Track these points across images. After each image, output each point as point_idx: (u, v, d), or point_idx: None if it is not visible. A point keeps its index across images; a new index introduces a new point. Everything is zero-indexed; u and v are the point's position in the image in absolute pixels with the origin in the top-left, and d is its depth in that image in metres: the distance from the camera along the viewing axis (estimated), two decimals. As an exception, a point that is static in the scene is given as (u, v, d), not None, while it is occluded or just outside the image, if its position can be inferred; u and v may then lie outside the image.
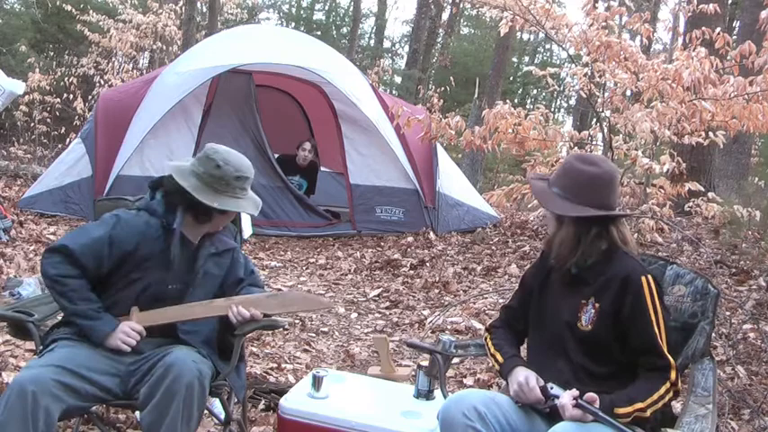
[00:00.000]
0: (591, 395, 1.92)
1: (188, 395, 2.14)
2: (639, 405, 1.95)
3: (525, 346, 2.37)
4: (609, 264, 2.13)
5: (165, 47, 12.54)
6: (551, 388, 2.03)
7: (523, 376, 2.08)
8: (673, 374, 2.03)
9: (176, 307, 2.40)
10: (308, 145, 7.75)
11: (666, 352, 2.04)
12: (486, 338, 2.38)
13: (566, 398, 1.95)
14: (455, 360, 2.91)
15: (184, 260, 2.41)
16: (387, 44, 25.10)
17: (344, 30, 22.75)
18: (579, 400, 1.92)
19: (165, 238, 2.35)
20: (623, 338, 2.07)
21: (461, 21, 24.00)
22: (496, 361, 2.25)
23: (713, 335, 2.60)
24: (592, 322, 2.09)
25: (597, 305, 2.10)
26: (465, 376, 3.87)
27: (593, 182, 2.13)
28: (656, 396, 1.98)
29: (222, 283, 2.51)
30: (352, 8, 21.77)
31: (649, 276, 2.10)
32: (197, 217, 2.39)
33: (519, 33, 18.35)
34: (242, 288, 2.53)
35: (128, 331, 2.30)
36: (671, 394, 2.02)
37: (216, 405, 2.59)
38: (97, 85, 12.28)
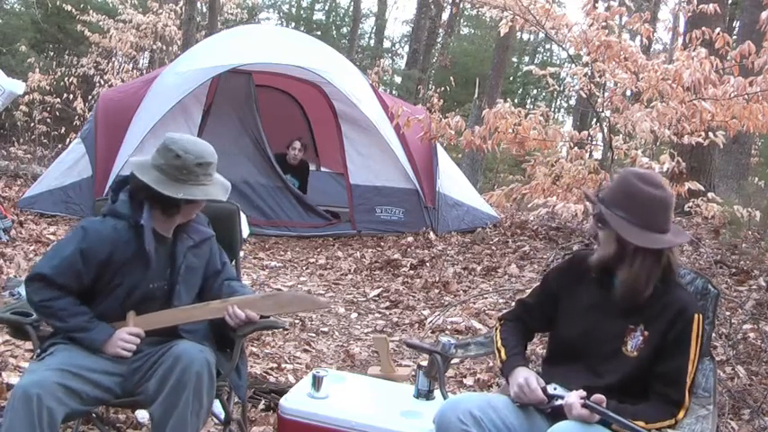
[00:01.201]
0: (599, 396, 1.91)
1: (198, 385, 2.14)
2: (641, 424, 1.92)
3: (544, 347, 2.34)
4: (663, 292, 2.07)
5: (165, 47, 12.54)
6: (554, 389, 2.02)
7: (523, 378, 2.07)
8: (681, 414, 2.00)
9: (172, 310, 2.39)
10: (297, 144, 7.71)
11: (688, 391, 2.01)
12: (496, 328, 2.35)
13: (573, 397, 1.93)
14: (455, 360, 2.91)
15: (162, 257, 2.39)
16: (387, 44, 25.12)
17: (344, 30, 22.76)
18: (587, 401, 1.91)
19: (135, 238, 2.32)
20: (656, 364, 2.04)
21: (461, 21, 23.99)
22: (500, 356, 2.24)
23: (713, 335, 2.59)
24: (638, 349, 2.05)
25: (646, 333, 2.05)
26: (465, 376, 3.87)
27: (662, 205, 2.06)
28: (658, 425, 1.96)
29: (204, 275, 2.51)
30: (352, 8, 21.79)
31: (701, 314, 2.06)
32: (165, 210, 2.36)
33: (519, 33, 18.34)
34: (221, 283, 2.52)
35: (126, 337, 2.29)
36: (670, 430, 1.99)
37: (216, 405, 2.59)
38: (97, 85, 12.28)
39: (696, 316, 2.04)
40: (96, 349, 2.27)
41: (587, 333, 2.12)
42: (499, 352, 2.25)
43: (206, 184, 2.36)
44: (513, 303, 2.44)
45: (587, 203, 2.30)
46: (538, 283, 2.39)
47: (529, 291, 2.43)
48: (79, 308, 2.31)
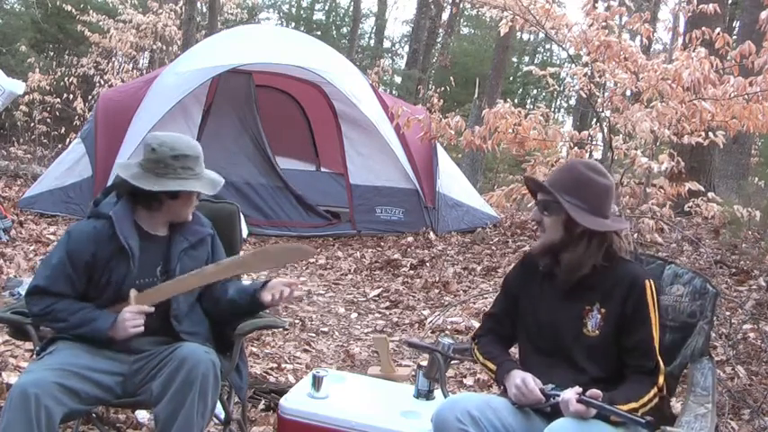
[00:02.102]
0: (595, 391, 1.93)
1: (203, 385, 2.14)
2: (634, 405, 1.95)
3: (517, 350, 2.36)
4: (612, 269, 2.13)
5: (165, 47, 12.54)
6: (552, 388, 2.03)
7: (520, 379, 2.07)
8: (660, 379, 2.05)
9: (170, 282, 2.38)
10: None
11: (658, 355, 2.06)
12: (473, 348, 2.36)
13: (569, 393, 1.95)
14: (455, 360, 2.91)
15: (151, 254, 2.38)
16: (387, 44, 25.15)
17: (344, 30, 22.78)
18: (583, 396, 1.92)
19: (115, 234, 2.32)
20: (621, 340, 2.09)
21: (461, 21, 24.00)
22: (489, 369, 2.25)
23: (713, 335, 2.60)
24: (599, 327, 2.10)
25: (603, 310, 2.10)
26: (465, 376, 3.87)
27: (608, 193, 2.15)
28: (645, 399, 1.99)
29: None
30: (352, 8, 21.79)
31: (651, 280, 2.12)
32: (147, 206, 2.36)
33: (519, 33, 18.36)
34: (223, 284, 2.52)
35: (129, 315, 2.27)
36: (657, 399, 2.03)
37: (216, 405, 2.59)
38: (97, 85, 12.28)
39: (647, 282, 2.10)
40: (104, 337, 2.25)
41: (549, 325, 2.17)
42: (486, 365, 2.27)
43: (185, 177, 2.33)
44: (482, 318, 2.47)
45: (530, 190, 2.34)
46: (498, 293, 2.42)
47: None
48: (78, 304, 2.31)
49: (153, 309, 2.31)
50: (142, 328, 2.27)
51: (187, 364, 2.16)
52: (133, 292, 2.33)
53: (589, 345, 2.10)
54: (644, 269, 2.21)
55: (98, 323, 2.27)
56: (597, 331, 2.10)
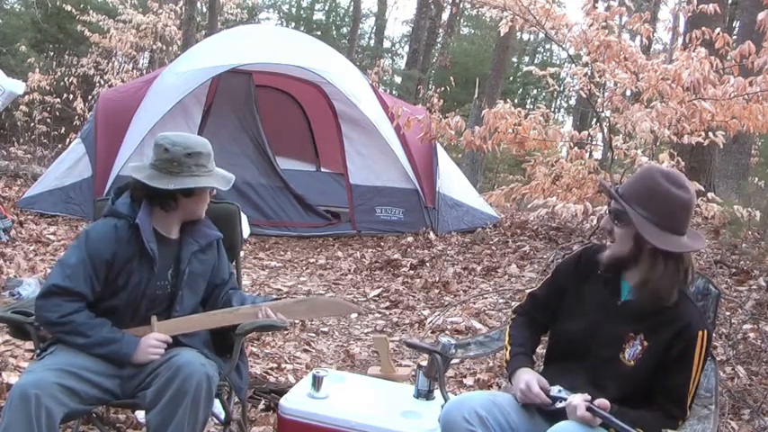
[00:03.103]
0: (603, 402, 1.89)
1: (195, 397, 2.14)
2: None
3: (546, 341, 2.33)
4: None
5: (165, 47, 12.55)
6: (559, 391, 2.01)
7: (524, 383, 2.05)
8: (679, 423, 1.99)
9: (200, 315, 2.39)
10: None
11: (688, 406, 1.99)
12: (509, 321, 2.34)
13: (577, 398, 1.91)
14: (455, 360, 2.91)
15: (165, 257, 2.37)
16: (387, 44, 25.18)
17: (344, 30, 22.79)
18: (592, 405, 1.88)
19: (135, 237, 2.31)
20: (657, 377, 2.00)
21: (461, 21, 24.03)
22: (505, 355, 2.24)
23: (713, 335, 2.59)
24: (635, 359, 2.00)
25: (646, 344, 1.99)
26: (465, 376, 3.87)
27: (686, 208, 1.98)
28: None
29: (212, 283, 2.51)
30: (352, 8, 21.80)
31: (706, 332, 1.99)
32: (163, 206, 2.35)
33: (519, 33, 18.35)
34: (226, 291, 2.53)
35: (154, 342, 2.28)
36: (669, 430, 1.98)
37: (216, 405, 2.59)
38: (97, 85, 12.28)
39: (701, 333, 1.97)
40: (126, 361, 2.25)
41: (588, 333, 2.09)
42: (506, 349, 2.24)
43: (199, 174, 2.34)
44: (527, 295, 2.41)
45: (605, 196, 2.21)
46: (549, 275, 2.35)
47: (529, 290, 2.41)
48: (97, 320, 2.27)
49: (171, 341, 2.32)
50: (159, 357, 2.27)
51: (181, 374, 2.15)
52: (155, 319, 2.34)
53: (621, 372, 2.01)
54: (703, 318, 2.07)
55: (122, 347, 2.25)
56: (633, 362, 2.00)
